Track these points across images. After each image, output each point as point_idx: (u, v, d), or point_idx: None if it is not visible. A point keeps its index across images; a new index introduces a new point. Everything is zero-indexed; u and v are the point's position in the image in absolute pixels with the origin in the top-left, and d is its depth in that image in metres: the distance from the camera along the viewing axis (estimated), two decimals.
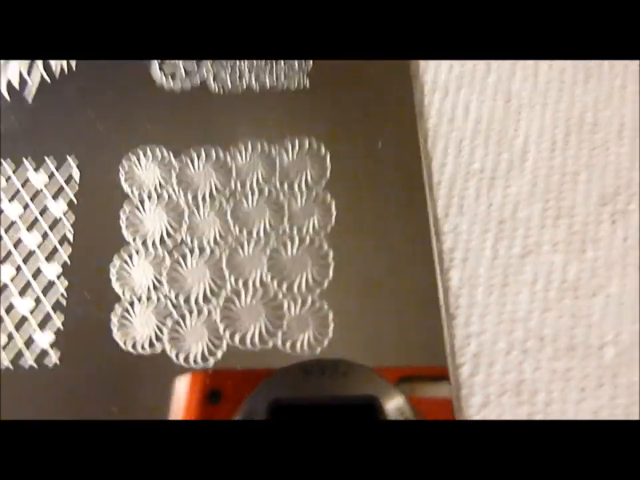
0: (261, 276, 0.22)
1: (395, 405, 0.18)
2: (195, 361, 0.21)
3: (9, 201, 0.24)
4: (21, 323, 0.22)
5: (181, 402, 0.20)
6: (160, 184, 0.23)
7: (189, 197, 0.23)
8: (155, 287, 0.22)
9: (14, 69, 0.26)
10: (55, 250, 0.23)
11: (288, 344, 0.21)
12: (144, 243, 0.23)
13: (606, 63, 0.25)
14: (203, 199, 0.23)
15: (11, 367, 0.22)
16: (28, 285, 0.22)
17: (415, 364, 0.20)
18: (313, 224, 0.22)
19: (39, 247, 0.23)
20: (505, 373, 0.20)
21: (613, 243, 0.22)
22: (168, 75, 0.25)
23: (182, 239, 0.22)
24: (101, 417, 0.20)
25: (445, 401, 0.20)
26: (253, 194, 0.23)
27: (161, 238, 0.23)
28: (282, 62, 0.25)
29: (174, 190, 0.23)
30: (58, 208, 0.23)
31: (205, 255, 0.22)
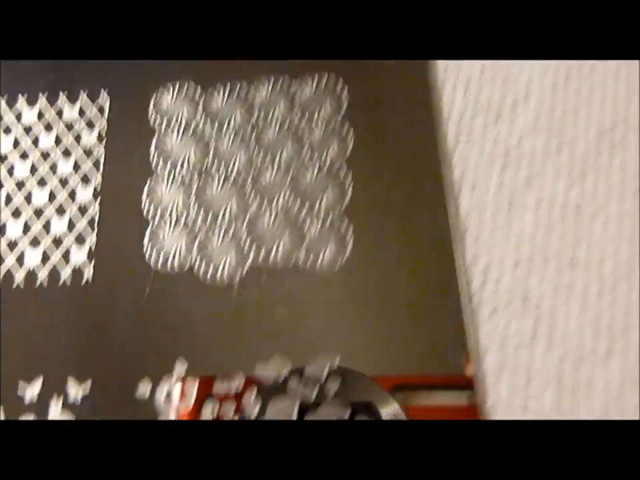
0: (284, 199, 0.23)
1: (390, 411, 0.20)
2: (222, 278, 0.22)
3: (45, 130, 0.25)
4: (56, 242, 0.23)
5: (179, 406, 0.21)
6: (187, 116, 0.25)
7: (215, 128, 0.24)
8: (184, 209, 0.23)
9: None
10: (87, 176, 0.24)
11: (309, 261, 0.22)
12: (173, 169, 0.24)
13: None
14: (228, 129, 0.24)
15: (45, 284, 0.23)
16: (62, 208, 0.24)
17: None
18: (331, 153, 0.24)
19: (72, 172, 0.24)
20: (512, 285, 0.22)
21: (611, 170, 0.24)
22: None
23: (208, 166, 0.24)
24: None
25: (438, 408, 0.21)
26: (275, 125, 0.24)
27: (189, 165, 0.24)
28: None
29: (201, 121, 0.25)
30: (91, 138, 0.25)
31: (230, 179, 0.24)
